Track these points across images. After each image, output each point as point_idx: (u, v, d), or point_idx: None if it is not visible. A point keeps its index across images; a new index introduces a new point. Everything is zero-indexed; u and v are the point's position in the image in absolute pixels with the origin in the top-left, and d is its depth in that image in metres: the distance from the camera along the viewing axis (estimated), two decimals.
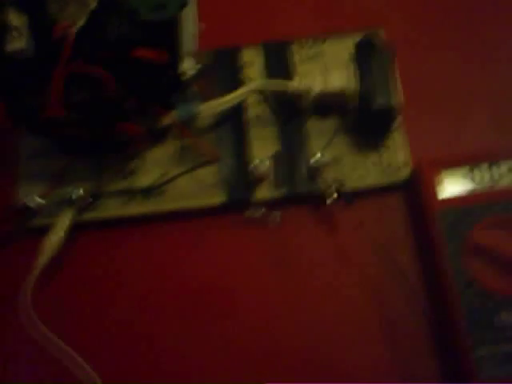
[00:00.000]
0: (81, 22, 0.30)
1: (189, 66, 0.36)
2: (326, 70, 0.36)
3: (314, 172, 0.34)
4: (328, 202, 0.33)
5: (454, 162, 0.33)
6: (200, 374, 0.32)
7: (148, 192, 0.35)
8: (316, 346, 0.33)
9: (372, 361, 0.32)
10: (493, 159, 0.33)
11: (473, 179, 0.33)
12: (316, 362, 0.32)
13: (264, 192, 0.35)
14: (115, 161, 0.36)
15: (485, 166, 0.33)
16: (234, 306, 0.34)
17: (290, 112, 0.36)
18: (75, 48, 0.29)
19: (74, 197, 0.34)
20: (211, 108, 0.35)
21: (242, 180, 0.35)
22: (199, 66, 0.37)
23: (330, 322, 0.33)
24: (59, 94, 0.30)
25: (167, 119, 0.35)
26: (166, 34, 0.33)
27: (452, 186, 0.33)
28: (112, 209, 0.35)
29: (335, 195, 0.33)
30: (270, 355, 0.33)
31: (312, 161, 0.34)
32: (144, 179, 0.36)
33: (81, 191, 0.34)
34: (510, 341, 0.30)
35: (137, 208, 0.35)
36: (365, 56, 0.35)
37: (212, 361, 0.33)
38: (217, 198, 0.35)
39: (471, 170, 0.33)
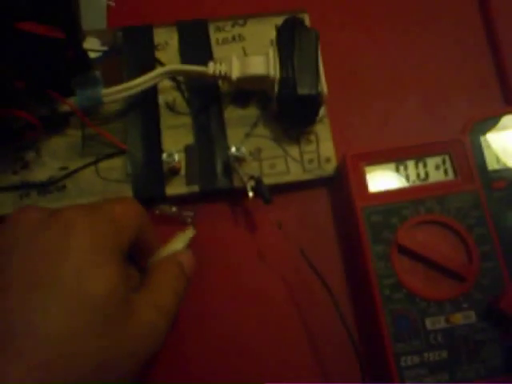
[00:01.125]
0: None
1: (93, 46, 0.32)
2: (245, 53, 0.33)
3: (231, 166, 0.31)
4: (246, 197, 0.30)
5: (380, 158, 0.31)
6: None
7: (44, 187, 0.31)
8: (234, 347, 0.30)
9: (293, 366, 0.30)
10: (420, 155, 0.31)
11: (400, 176, 0.31)
12: (236, 362, 0.30)
13: (176, 187, 0.32)
14: (6, 152, 0.32)
15: (412, 162, 0.31)
16: None
17: (206, 99, 0.33)
18: None
19: None
20: (116, 94, 0.31)
21: (152, 174, 0.32)
22: (105, 46, 0.33)
23: (246, 322, 0.31)
24: None
25: (66, 106, 0.31)
26: (63, 8, 0.29)
27: (378, 183, 0.31)
28: (3, 207, 0.31)
29: (252, 193, 0.30)
30: (188, 356, 0.30)
31: (229, 154, 0.31)
32: (40, 173, 0.32)
33: None
34: (434, 349, 0.28)
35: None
36: (287, 40, 0.32)
37: None
38: (123, 194, 0.31)
39: (398, 166, 0.31)
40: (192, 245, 0.31)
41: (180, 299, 0.27)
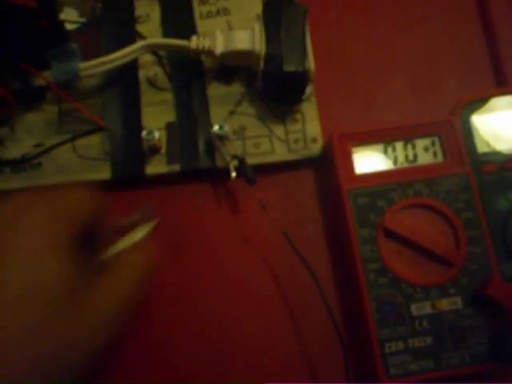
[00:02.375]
0: None
1: (70, 17, 0.31)
2: (230, 28, 0.32)
3: (214, 145, 0.30)
4: (229, 178, 0.29)
5: (368, 139, 0.30)
6: None
7: (19, 165, 0.30)
8: (214, 332, 0.29)
9: (275, 351, 0.29)
10: (409, 136, 0.30)
11: (387, 157, 0.30)
12: (219, 352, 0.29)
13: (156, 166, 0.30)
14: None
15: (400, 143, 0.30)
16: None
17: (189, 75, 0.32)
18: None
19: None
20: (95, 68, 0.30)
21: (132, 153, 0.31)
22: (83, 17, 0.32)
23: (227, 307, 0.30)
24: None
25: (41, 79, 0.29)
26: None
27: (365, 165, 0.30)
28: None
29: (235, 173, 0.29)
30: (165, 346, 0.29)
31: (211, 132, 0.30)
32: (14, 150, 0.30)
33: None
34: (419, 335, 0.27)
35: (5, 183, 0.30)
36: (274, 14, 0.30)
37: None
38: (101, 174, 0.30)
39: (386, 147, 0.30)
40: (172, 227, 0.31)
41: (140, 291, 0.26)
